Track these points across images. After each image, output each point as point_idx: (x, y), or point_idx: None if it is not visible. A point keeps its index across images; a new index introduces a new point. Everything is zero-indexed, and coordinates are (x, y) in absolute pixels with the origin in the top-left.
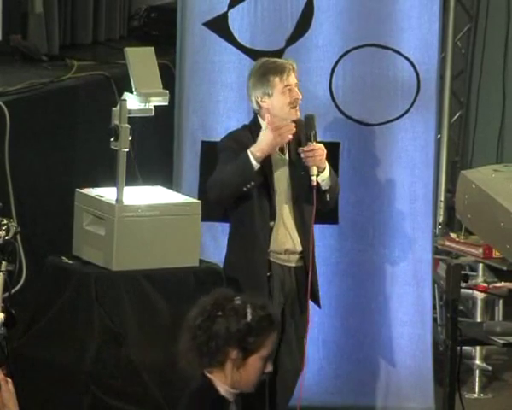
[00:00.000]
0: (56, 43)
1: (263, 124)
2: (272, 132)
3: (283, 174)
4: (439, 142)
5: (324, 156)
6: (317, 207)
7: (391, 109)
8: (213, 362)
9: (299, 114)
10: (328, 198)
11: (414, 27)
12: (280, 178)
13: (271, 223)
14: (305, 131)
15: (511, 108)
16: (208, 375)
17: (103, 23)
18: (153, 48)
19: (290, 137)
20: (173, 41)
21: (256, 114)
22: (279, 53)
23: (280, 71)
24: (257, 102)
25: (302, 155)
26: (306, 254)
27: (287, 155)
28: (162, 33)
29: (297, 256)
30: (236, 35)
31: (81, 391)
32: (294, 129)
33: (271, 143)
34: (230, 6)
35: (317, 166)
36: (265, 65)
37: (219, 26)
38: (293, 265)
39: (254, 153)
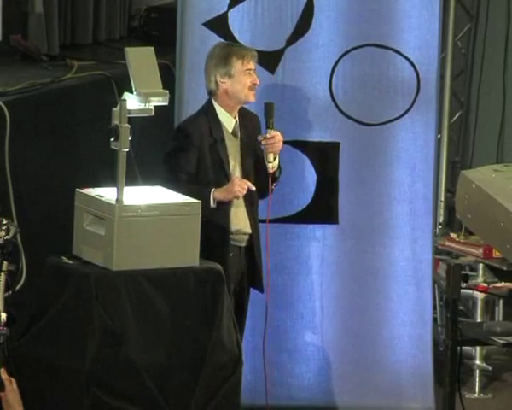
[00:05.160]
0: (56, 43)
1: (217, 107)
2: (232, 187)
3: (236, 159)
4: (439, 142)
5: (281, 143)
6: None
7: (391, 109)
8: None
9: (254, 98)
10: (274, 187)
11: (414, 27)
12: (234, 163)
13: (227, 205)
14: (264, 118)
15: (511, 108)
16: None
17: (103, 23)
18: (153, 48)
19: (241, 195)
20: (173, 41)
21: (210, 97)
22: (279, 53)
23: (242, 55)
24: (216, 82)
25: (263, 142)
26: (255, 236)
27: (238, 140)
28: (162, 33)
29: (246, 237)
30: (236, 35)
31: (81, 391)
32: (245, 191)
33: (227, 197)
34: (230, 6)
35: (274, 154)
36: (229, 47)
37: (219, 26)
38: (243, 245)
39: (216, 196)
